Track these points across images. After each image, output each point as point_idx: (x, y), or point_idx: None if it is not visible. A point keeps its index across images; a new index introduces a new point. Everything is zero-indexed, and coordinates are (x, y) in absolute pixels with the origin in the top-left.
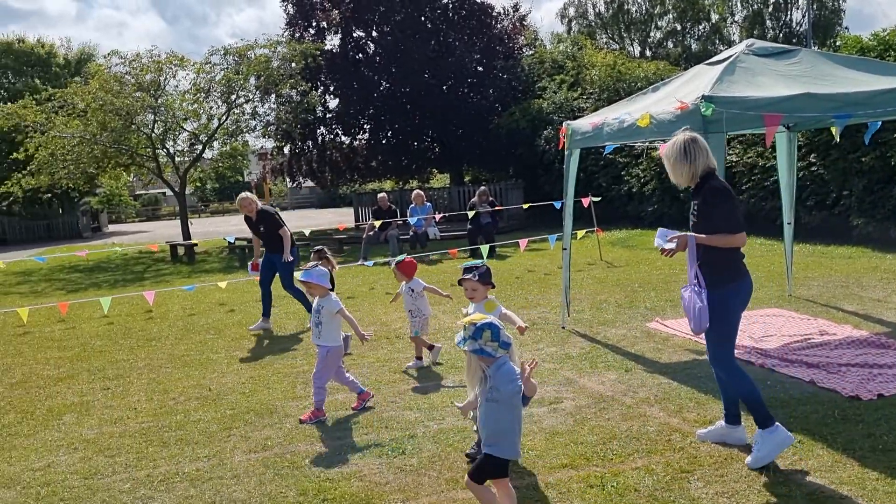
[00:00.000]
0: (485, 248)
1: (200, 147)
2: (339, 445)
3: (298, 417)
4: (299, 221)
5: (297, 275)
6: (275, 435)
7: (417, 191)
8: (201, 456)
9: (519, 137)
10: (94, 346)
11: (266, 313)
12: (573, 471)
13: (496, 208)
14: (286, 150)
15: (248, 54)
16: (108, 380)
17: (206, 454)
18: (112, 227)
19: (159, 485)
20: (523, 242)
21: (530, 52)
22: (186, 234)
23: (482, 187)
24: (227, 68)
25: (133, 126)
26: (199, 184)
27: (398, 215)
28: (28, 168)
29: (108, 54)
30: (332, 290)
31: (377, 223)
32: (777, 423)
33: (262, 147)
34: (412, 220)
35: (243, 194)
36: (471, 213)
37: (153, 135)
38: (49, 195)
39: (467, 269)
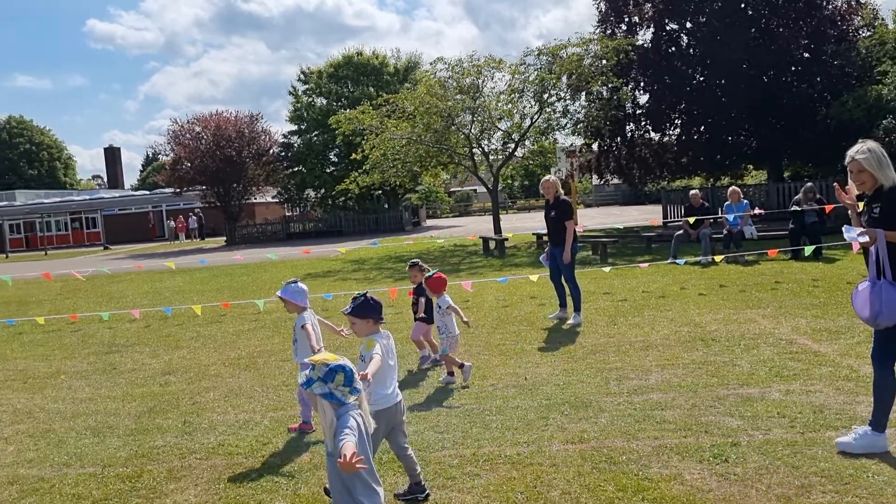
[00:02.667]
0: (809, 249)
1: (513, 145)
2: (657, 445)
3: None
4: (604, 218)
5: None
6: (590, 428)
7: (733, 187)
8: (521, 441)
9: (851, 129)
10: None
11: (562, 304)
12: None
13: (823, 206)
14: (594, 146)
15: (561, 54)
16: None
17: (525, 440)
18: (429, 222)
19: (484, 464)
20: (856, 244)
21: (868, 34)
22: (498, 228)
23: (808, 184)
24: (540, 68)
25: (453, 127)
26: (509, 181)
27: (711, 213)
28: (363, 167)
29: (434, 61)
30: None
31: (691, 220)
32: (886, 432)
33: (571, 144)
34: (729, 218)
35: (547, 176)
36: (794, 212)
37: (470, 134)
38: (379, 192)
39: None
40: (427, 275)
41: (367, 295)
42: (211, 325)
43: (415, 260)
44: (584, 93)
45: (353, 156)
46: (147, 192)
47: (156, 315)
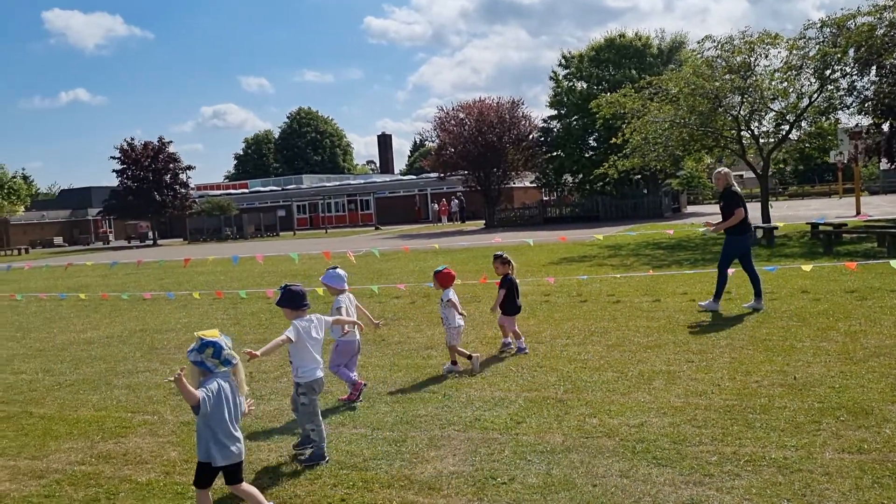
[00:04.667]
0: None
1: (787, 127)
2: None
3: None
4: (892, 207)
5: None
6: (872, 438)
7: None
8: (788, 445)
9: None
10: (678, 319)
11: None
12: None
13: None
14: (885, 127)
15: (848, 24)
16: (692, 353)
17: (793, 444)
18: (690, 208)
19: (745, 464)
20: None
21: None
22: (766, 216)
23: None
24: (822, 42)
25: (720, 108)
26: (781, 165)
27: None
28: (623, 151)
29: (702, 40)
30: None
31: None
32: None
33: (856, 125)
34: None
35: (719, 168)
36: None
37: (739, 116)
38: (638, 176)
39: None
40: (436, 269)
41: (287, 286)
42: (470, 304)
43: (498, 252)
44: (874, 67)
45: (613, 140)
46: (414, 177)
47: (420, 292)
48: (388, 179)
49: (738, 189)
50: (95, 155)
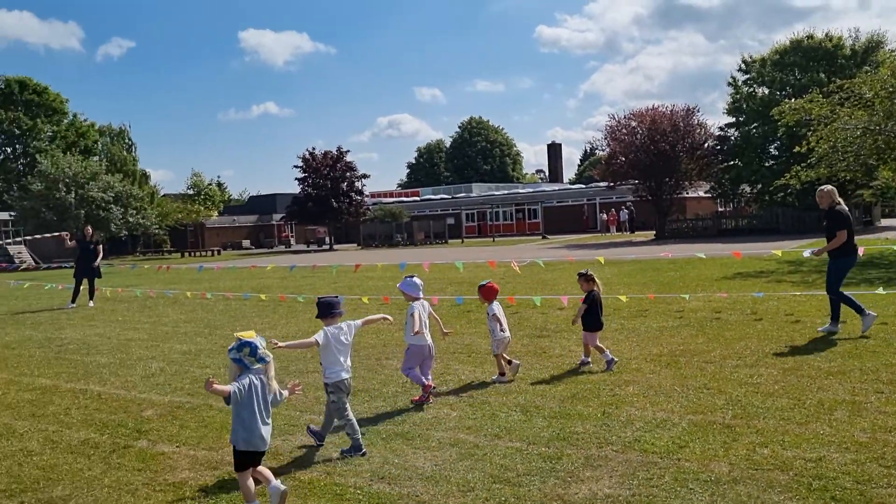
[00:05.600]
0: None
1: None
2: None
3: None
4: None
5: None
6: None
7: None
8: None
9: None
10: (866, 344)
11: (833, 317)
12: None
13: None
14: None
15: None
16: (882, 383)
17: None
18: (884, 221)
19: None
20: None
21: None
22: None
23: None
24: None
25: None
26: None
27: None
28: (807, 160)
29: None
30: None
31: None
32: None
33: None
34: None
35: (823, 186)
36: None
37: None
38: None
39: None
40: (480, 283)
41: (319, 299)
42: (635, 319)
43: (582, 271)
44: None
45: (797, 148)
46: (583, 186)
47: None
48: (556, 188)
49: (845, 208)
50: (281, 163)
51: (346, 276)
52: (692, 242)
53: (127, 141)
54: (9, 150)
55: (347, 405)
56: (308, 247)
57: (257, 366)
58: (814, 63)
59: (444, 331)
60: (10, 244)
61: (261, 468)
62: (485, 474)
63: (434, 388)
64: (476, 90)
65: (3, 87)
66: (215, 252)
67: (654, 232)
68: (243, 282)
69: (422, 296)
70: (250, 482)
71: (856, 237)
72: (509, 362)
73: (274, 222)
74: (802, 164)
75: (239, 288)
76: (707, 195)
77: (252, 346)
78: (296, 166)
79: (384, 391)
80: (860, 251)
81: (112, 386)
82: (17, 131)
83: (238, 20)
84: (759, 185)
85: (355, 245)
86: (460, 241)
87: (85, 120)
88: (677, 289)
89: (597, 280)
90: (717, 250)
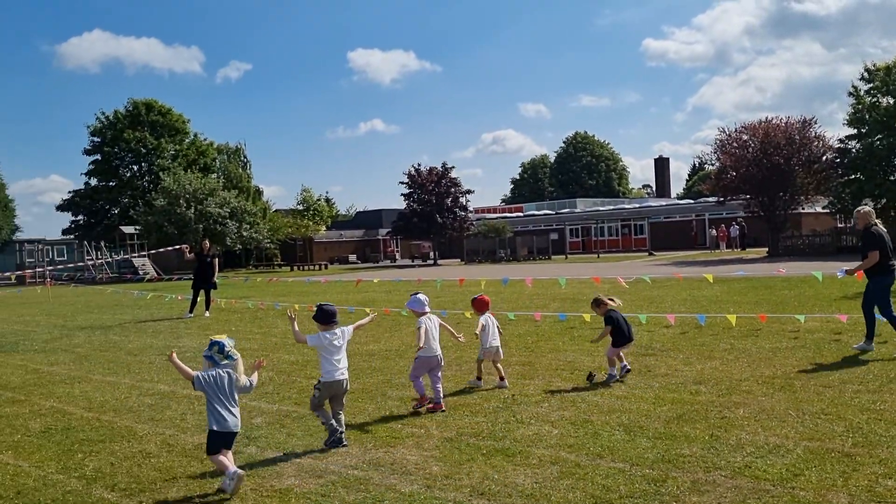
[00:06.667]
0: None
1: None
2: None
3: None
4: None
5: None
6: None
7: None
8: None
9: None
10: None
11: (868, 335)
12: None
13: None
14: None
15: None
16: None
17: None
18: None
19: None
20: None
21: None
22: None
23: None
24: None
25: None
26: None
27: None
28: None
29: None
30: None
31: None
32: None
33: None
34: None
35: (860, 207)
36: None
37: None
38: None
39: None
40: (473, 297)
41: (320, 306)
42: (746, 339)
43: (595, 297)
44: None
45: None
46: (691, 201)
47: (690, 322)
48: (663, 204)
49: (881, 229)
50: (387, 179)
51: (450, 290)
52: (809, 260)
53: (242, 159)
54: (135, 167)
55: (324, 402)
56: (413, 261)
57: (225, 362)
58: None
59: (457, 336)
60: (135, 257)
61: (229, 455)
62: (586, 494)
63: (431, 401)
64: (581, 105)
65: (131, 109)
66: (323, 266)
67: (767, 249)
68: (349, 295)
69: (428, 310)
70: (222, 457)
71: None
72: (501, 378)
73: (380, 237)
74: None
75: (345, 301)
76: (825, 210)
77: (221, 345)
78: (401, 182)
79: (485, 406)
80: None
81: None
82: (144, 150)
83: (347, 41)
84: (884, 200)
85: (458, 260)
86: (564, 256)
87: (204, 139)
88: (792, 308)
89: (608, 299)
90: (836, 269)
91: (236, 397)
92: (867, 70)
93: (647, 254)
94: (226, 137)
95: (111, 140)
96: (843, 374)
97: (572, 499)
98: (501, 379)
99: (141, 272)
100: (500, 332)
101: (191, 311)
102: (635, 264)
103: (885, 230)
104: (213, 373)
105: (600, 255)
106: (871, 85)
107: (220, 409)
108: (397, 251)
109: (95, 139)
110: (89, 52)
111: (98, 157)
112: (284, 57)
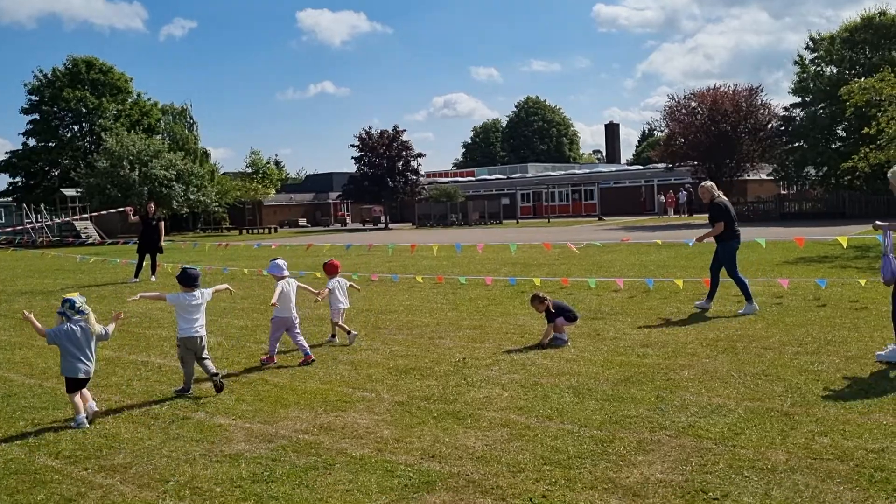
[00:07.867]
0: None
1: None
2: None
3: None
4: None
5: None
6: None
7: None
8: None
9: None
10: None
11: (709, 296)
12: None
13: None
14: None
15: None
16: None
17: None
18: None
19: None
20: None
21: None
22: None
23: None
24: None
25: None
26: None
27: None
28: (877, 142)
29: None
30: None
31: None
32: None
33: None
34: None
35: (704, 182)
36: None
37: None
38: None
39: None
40: (325, 261)
41: (184, 269)
42: (692, 302)
43: (535, 293)
44: None
45: (865, 130)
46: (641, 167)
47: (639, 287)
48: (613, 169)
49: (724, 200)
50: (337, 142)
51: (401, 255)
52: (753, 226)
53: (188, 120)
54: (76, 128)
55: (188, 357)
56: (364, 225)
57: (77, 316)
58: (886, 41)
59: (315, 293)
60: (77, 220)
61: (85, 391)
62: (535, 455)
63: (308, 357)
64: (532, 70)
65: (70, 66)
66: (272, 230)
67: None
68: (299, 259)
69: (286, 274)
70: (77, 399)
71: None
72: (348, 332)
73: (330, 201)
74: (871, 146)
75: (295, 266)
76: (770, 178)
77: (72, 301)
78: (352, 145)
79: (436, 370)
80: None
81: (172, 358)
82: (84, 110)
83: (296, 0)
84: (826, 168)
85: (410, 224)
86: (515, 221)
87: (148, 99)
88: None
89: (541, 297)
90: (779, 234)
91: (92, 347)
92: (812, 39)
93: (597, 219)
94: (171, 98)
95: (50, 99)
96: (783, 337)
97: (522, 460)
98: (349, 333)
99: (83, 235)
100: (354, 290)
101: (136, 276)
102: (586, 229)
103: (727, 199)
104: (66, 327)
105: (551, 220)
106: (816, 54)
107: (71, 359)
108: (348, 215)
109: (33, 98)
110: (25, 6)
111: (36, 116)
112: (231, 15)
